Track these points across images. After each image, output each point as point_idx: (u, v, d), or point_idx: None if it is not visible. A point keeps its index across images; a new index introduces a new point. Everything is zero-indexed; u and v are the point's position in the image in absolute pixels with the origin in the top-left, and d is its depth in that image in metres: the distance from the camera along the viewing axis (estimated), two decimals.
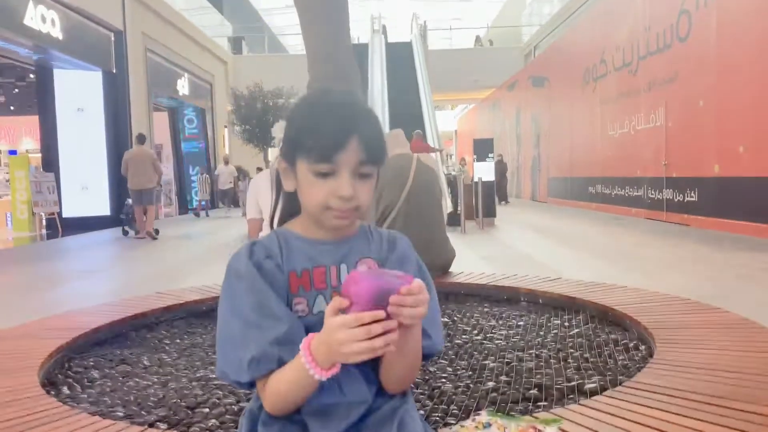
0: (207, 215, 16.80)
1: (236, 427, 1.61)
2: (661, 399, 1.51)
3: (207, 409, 1.76)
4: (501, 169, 18.98)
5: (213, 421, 1.67)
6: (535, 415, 1.41)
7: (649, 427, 1.35)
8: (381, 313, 0.88)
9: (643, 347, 2.16)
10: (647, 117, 11.59)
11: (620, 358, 2.09)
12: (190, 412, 1.75)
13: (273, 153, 17.16)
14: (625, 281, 3.68)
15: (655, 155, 11.17)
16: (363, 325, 0.89)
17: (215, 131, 22.13)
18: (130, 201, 11.26)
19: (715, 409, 1.43)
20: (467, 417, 1.41)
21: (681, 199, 10.29)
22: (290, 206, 1.18)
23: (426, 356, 1.12)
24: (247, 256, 1.09)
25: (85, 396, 1.93)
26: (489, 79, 24.87)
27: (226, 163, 18.28)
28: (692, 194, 9.92)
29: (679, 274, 5.58)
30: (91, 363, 2.28)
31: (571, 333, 2.43)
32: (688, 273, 5.74)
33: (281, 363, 1.01)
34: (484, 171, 11.84)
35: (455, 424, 1.55)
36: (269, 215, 1.23)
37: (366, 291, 0.89)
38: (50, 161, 13.73)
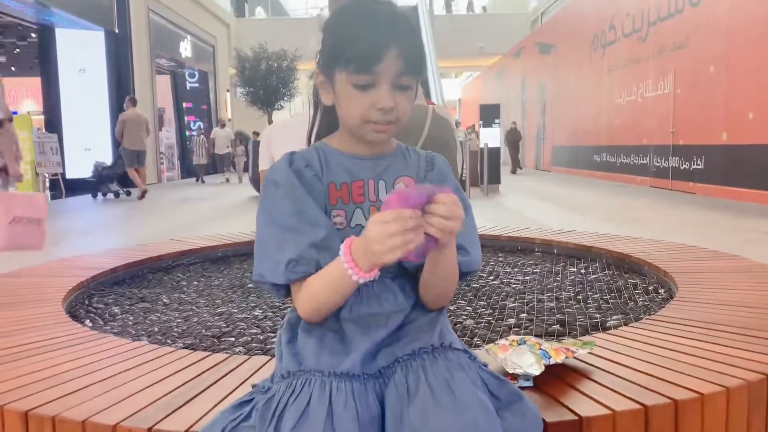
0: (202, 181, 16.23)
1: (264, 354, 1.62)
2: (687, 330, 1.51)
3: (232, 338, 1.77)
4: (514, 137, 18.40)
5: (240, 348, 1.68)
6: (564, 341, 1.41)
7: (677, 351, 1.36)
8: (416, 212, 0.87)
9: (662, 290, 2.17)
10: (655, 84, 11.48)
11: (640, 299, 2.09)
12: (215, 341, 1.76)
13: (277, 116, 17.00)
14: None
15: (663, 123, 11.10)
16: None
17: (217, 95, 21.94)
18: (105, 163, 11.44)
19: (741, 338, 1.44)
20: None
21: (687, 167, 10.25)
22: (328, 121, 1.16)
23: (465, 273, 1.12)
24: (287, 164, 1.08)
25: (108, 328, 1.94)
26: (495, 46, 24.55)
27: (222, 126, 17.33)
28: (699, 162, 9.88)
29: (687, 238, 5.58)
30: (111, 300, 2.29)
31: (589, 278, 2.43)
32: (696, 236, 5.74)
33: (318, 266, 1.01)
34: (490, 137, 11.77)
35: (482, 347, 1.56)
36: (308, 131, 1.21)
37: (402, 195, 0.89)
38: (53, 123, 13.65)
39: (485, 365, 1.05)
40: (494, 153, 11.59)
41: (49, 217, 3.80)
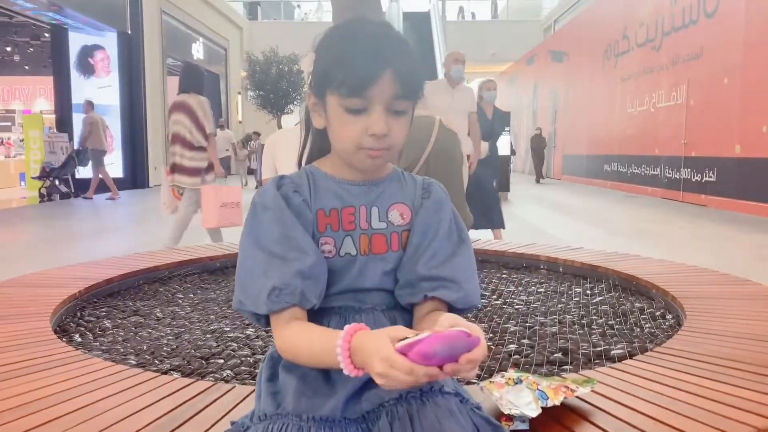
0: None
1: (252, 379, 1.56)
2: (694, 365, 1.44)
3: (221, 360, 1.71)
4: (539, 143, 17.90)
5: (228, 372, 1.62)
6: (565, 376, 1.34)
7: (684, 391, 1.29)
8: (433, 371, 0.79)
9: (670, 316, 2.09)
10: (668, 94, 11.37)
11: (647, 326, 2.02)
12: (204, 362, 1.70)
13: (286, 121, 16.97)
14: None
15: (675, 134, 10.98)
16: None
17: (228, 97, 21.98)
18: (52, 164, 11.76)
19: (752, 377, 1.36)
20: (490, 377, 1.35)
21: (699, 179, 10.13)
22: (320, 144, 1.11)
23: (461, 310, 1.06)
24: (275, 188, 1.03)
25: (97, 344, 1.89)
26: (507, 52, 24.51)
27: (221, 127, 16.24)
28: (711, 174, 9.76)
29: (698, 253, 5.49)
30: (103, 313, 2.24)
31: (594, 300, 2.36)
32: (707, 251, 5.65)
33: (303, 297, 0.96)
34: (500, 146, 11.65)
35: (477, 383, 1.50)
36: (298, 154, 1.16)
37: (425, 354, 0.79)
38: (64, 122, 13.71)
39: (478, 407, 0.99)
40: (503, 161, 11.51)
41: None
